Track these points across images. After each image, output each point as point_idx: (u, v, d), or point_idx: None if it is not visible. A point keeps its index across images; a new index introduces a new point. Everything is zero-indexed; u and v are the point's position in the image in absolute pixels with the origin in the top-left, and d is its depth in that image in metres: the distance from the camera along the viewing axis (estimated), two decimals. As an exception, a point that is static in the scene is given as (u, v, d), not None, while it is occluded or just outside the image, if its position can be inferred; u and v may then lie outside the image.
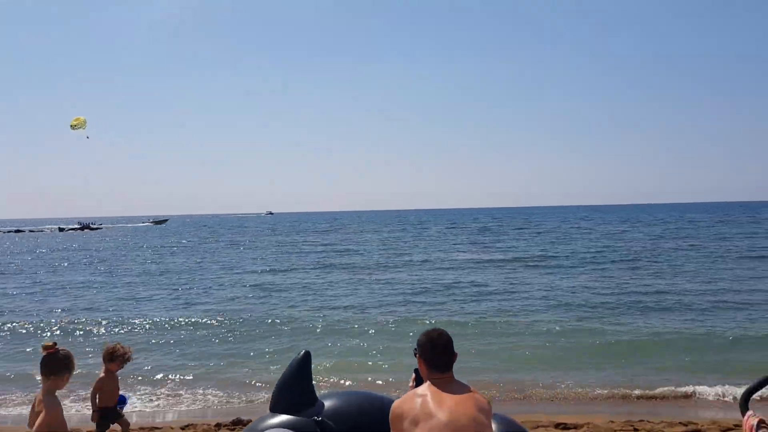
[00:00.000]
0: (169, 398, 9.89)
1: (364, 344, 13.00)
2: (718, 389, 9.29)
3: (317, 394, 4.07)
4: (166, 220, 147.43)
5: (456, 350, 3.17)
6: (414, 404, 2.95)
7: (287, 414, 3.91)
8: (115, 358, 5.76)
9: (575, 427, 7.70)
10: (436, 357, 3.08)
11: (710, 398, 9.18)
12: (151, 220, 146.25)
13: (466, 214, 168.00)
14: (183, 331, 14.83)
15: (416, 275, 25.44)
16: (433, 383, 3.03)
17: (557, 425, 7.72)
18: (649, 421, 7.79)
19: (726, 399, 9.08)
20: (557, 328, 14.06)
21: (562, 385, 9.91)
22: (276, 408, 4.00)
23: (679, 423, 7.64)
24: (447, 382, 3.04)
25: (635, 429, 7.48)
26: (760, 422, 2.80)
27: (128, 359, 5.89)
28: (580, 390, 9.71)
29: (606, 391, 9.58)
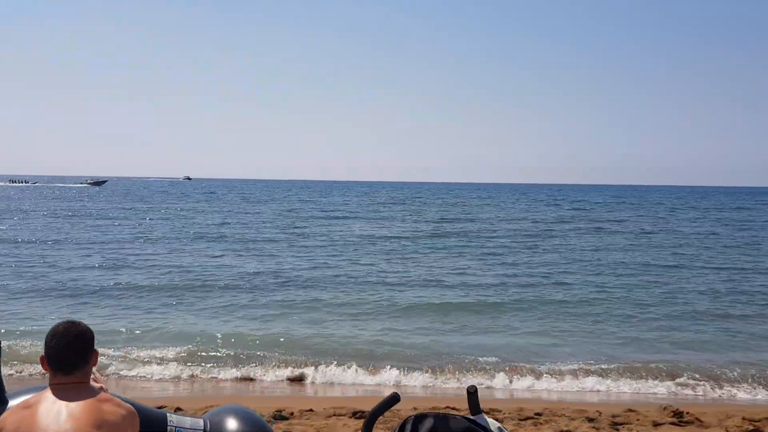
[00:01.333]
0: None
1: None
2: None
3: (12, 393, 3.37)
4: (105, 181, 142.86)
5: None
6: (19, 417, 2.44)
7: None
8: None
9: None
10: (58, 354, 2.54)
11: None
12: (88, 181, 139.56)
13: (378, 187, 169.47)
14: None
15: (296, 253, 24.55)
16: (53, 389, 2.52)
17: (354, 413, 7.61)
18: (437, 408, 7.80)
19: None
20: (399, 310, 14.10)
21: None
22: None
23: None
24: (69, 389, 2.52)
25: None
26: None
27: None
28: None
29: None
